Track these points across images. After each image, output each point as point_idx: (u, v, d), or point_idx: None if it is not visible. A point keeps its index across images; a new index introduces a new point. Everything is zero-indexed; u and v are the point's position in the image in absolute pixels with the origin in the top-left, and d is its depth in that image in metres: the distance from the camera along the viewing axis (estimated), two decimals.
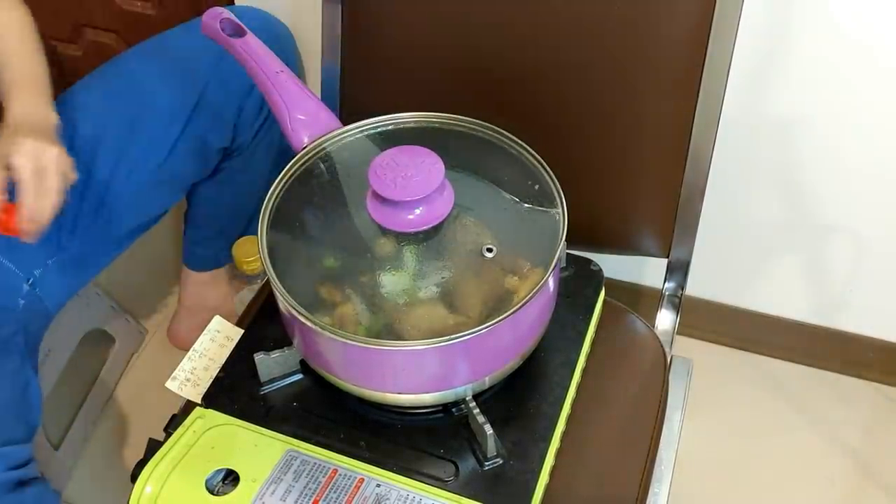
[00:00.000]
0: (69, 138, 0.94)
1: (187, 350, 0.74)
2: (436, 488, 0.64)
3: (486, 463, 0.65)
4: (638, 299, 1.35)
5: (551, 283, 0.66)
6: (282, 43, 1.13)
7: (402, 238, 0.79)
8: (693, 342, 1.42)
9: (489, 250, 0.68)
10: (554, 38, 0.81)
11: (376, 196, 0.66)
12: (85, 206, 0.97)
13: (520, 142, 0.71)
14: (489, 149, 0.72)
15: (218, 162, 1.10)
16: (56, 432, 1.22)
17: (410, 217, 0.66)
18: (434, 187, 0.65)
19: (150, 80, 1.01)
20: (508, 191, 0.70)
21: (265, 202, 0.70)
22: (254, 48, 0.75)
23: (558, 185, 0.69)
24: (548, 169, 0.70)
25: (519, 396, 0.70)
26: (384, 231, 0.69)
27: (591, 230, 0.74)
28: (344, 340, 0.62)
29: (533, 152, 0.71)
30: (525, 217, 0.69)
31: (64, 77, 1.56)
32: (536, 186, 0.70)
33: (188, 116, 1.00)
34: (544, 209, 0.68)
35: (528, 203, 0.69)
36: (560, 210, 0.67)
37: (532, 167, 0.71)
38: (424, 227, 0.66)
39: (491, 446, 0.64)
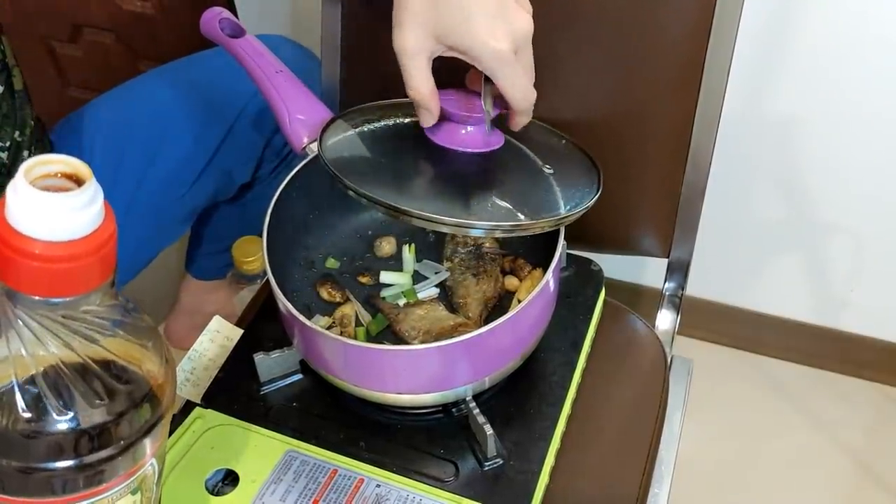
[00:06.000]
0: (87, 160, 0.92)
1: (187, 350, 0.74)
2: (436, 488, 0.64)
3: (486, 463, 0.65)
4: (638, 299, 1.36)
5: (551, 283, 0.66)
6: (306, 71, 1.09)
7: (402, 238, 0.79)
8: (693, 342, 1.42)
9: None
10: (553, 38, 0.81)
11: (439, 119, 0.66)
12: None
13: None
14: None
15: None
16: None
17: (464, 135, 0.66)
18: (496, 110, 0.65)
19: (175, 110, 0.97)
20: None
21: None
22: (254, 48, 0.75)
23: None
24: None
25: (519, 396, 0.70)
26: (386, 230, 0.69)
27: (591, 230, 0.74)
28: (344, 341, 0.62)
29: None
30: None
31: (63, 77, 1.56)
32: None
33: (215, 150, 0.98)
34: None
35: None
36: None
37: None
38: (477, 150, 0.66)
39: (491, 446, 0.64)
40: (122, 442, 0.43)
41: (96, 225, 0.39)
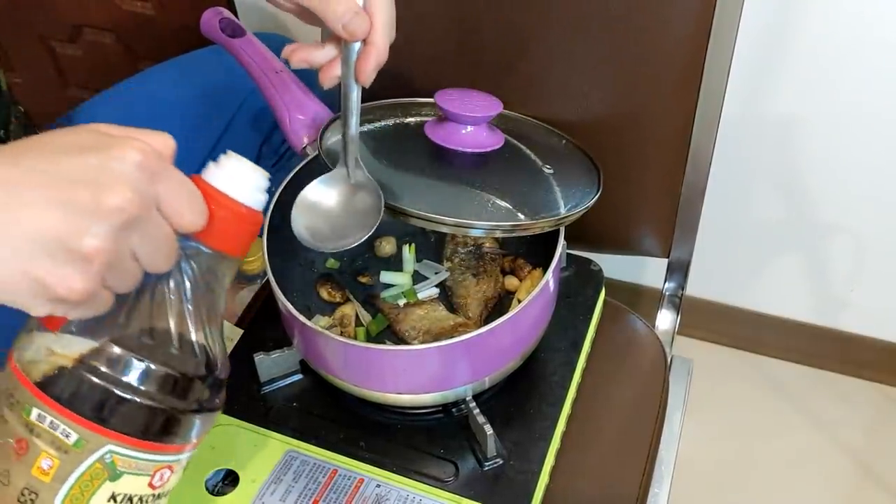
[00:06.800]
0: None
1: None
2: (436, 488, 0.64)
3: (486, 463, 0.65)
4: (638, 299, 1.35)
5: (551, 283, 0.66)
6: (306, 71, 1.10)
7: (402, 238, 0.79)
8: (693, 342, 1.42)
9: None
10: (554, 38, 0.81)
11: (437, 120, 0.68)
12: None
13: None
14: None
15: None
16: None
17: (465, 135, 0.67)
18: (496, 110, 0.66)
19: (173, 106, 0.96)
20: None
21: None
22: (254, 48, 0.75)
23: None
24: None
25: (519, 396, 0.70)
26: (386, 230, 0.69)
27: (591, 230, 0.74)
28: (344, 341, 0.62)
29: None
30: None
31: (63, 77, 1.56)
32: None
33: (212, 147, 0.97)
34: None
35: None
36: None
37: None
38: (477, 150, 0.67)
39: (491, 446, 0.64)
40: (215, 400, 0.49)
41: (263, 206, 0.47)
